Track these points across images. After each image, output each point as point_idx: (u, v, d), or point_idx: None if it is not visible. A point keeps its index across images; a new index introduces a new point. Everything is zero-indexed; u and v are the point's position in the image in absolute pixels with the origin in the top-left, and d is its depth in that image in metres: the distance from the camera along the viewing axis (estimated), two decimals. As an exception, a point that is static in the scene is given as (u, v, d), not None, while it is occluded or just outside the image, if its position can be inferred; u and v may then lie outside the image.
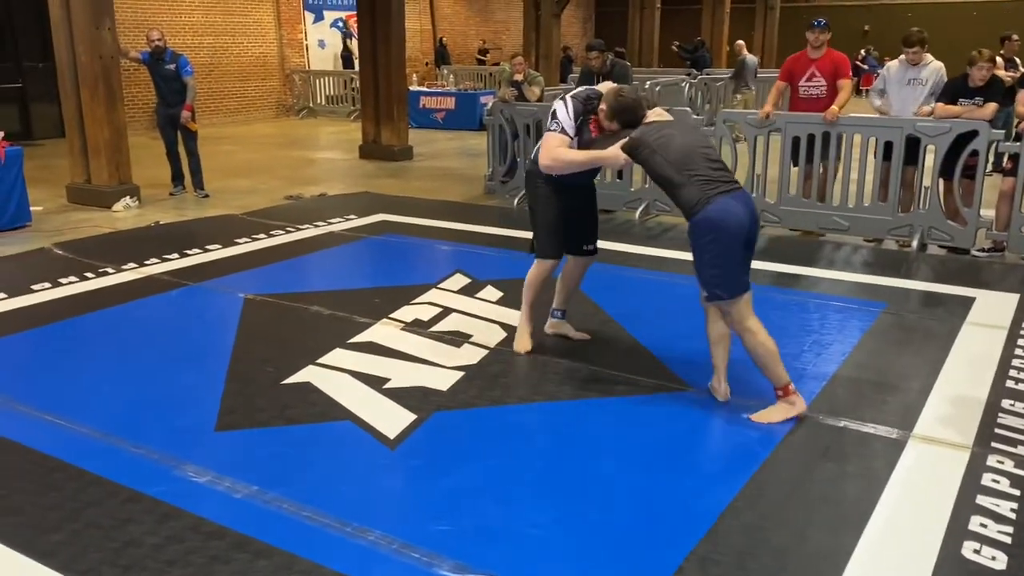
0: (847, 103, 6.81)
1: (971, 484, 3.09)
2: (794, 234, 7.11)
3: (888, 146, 6.56)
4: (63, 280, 5.63)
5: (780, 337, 4.52)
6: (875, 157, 6.64)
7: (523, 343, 4.38)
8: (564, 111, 3.98)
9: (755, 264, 5.98)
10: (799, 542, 2.78)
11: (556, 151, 3.95)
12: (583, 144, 4.00)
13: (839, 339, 4.58)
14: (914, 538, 2.79)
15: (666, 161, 3.58)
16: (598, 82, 7.74)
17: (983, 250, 6.38)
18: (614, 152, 3.77)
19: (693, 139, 3.69)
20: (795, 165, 7.06)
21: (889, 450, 3.37)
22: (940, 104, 6.32)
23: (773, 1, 25.12)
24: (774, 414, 3.60)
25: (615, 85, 4.05)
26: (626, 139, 3.73)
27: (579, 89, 4.17)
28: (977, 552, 2.69)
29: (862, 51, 24.14)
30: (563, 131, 3.97)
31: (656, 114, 3.85)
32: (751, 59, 14.46)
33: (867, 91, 8.82)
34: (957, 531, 2.81)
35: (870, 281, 5.72)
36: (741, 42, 15.26)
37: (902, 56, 6.76)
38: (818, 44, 6.86)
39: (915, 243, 6.49)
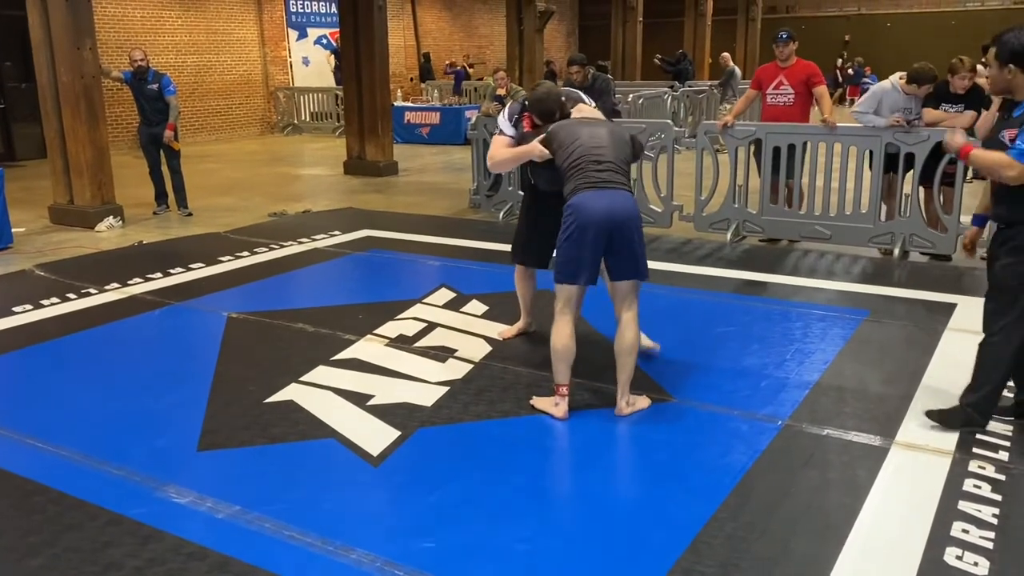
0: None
1: (953, 490, 3.11)
2: (775, 243, 7.15)
3: (891, 159, 6.54)
4: (45, 301, 5.60)
5: (762, 346, 4.60)
6: (870, 169, 6.64)
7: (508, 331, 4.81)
8: (502, 114, 4.22)
9: (738, 274, 6.11)
10: (783, 551, 2.78)
11: (492, 150, 4.20)
12: (520, 141, 4.13)
13: (821, 347, 4.61)
14: (897, 545, 2.80)
15: (565, 156, 3.77)
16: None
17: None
18: (532, 144, 3.96)
19: (596, 142, 3.78)
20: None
21: (872, 457, 3.38)
22: (927, 109, 6.38)
23: (754, 13, 25.38)
24: (542, 402, 3.85)
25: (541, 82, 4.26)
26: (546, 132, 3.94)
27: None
28: (959, 558, 2.71)
29: (839, 60, 24.37)
30: (501, 132, 4.18)
31: (579, 111, 4.06)
32: (738, 70, 14.66)
33: (852, 100, 8.88)
34: (940, 537, 2.82)
35: (852, 289, 5.75)
36: (726, 54, 15.43)
37: (898, 81, 6.49)
38: (784, 56, 6.94)
39: (897, 250, 6.53)
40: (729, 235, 7.15)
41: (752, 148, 7.16)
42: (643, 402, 3.86)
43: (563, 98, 4.06)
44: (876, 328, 4.93)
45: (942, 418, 3.61)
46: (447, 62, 20.33)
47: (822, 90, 6.98)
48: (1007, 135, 3.41)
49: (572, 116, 4.01)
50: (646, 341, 4.32)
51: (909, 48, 6.68)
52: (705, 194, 7.32)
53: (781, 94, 7.01)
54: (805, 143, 6.93)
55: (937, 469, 3.27)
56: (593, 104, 4.26)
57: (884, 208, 6.72)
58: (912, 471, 3.28)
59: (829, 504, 3.06)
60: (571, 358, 3.75)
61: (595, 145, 3.75)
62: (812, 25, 26.16)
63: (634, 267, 3.74)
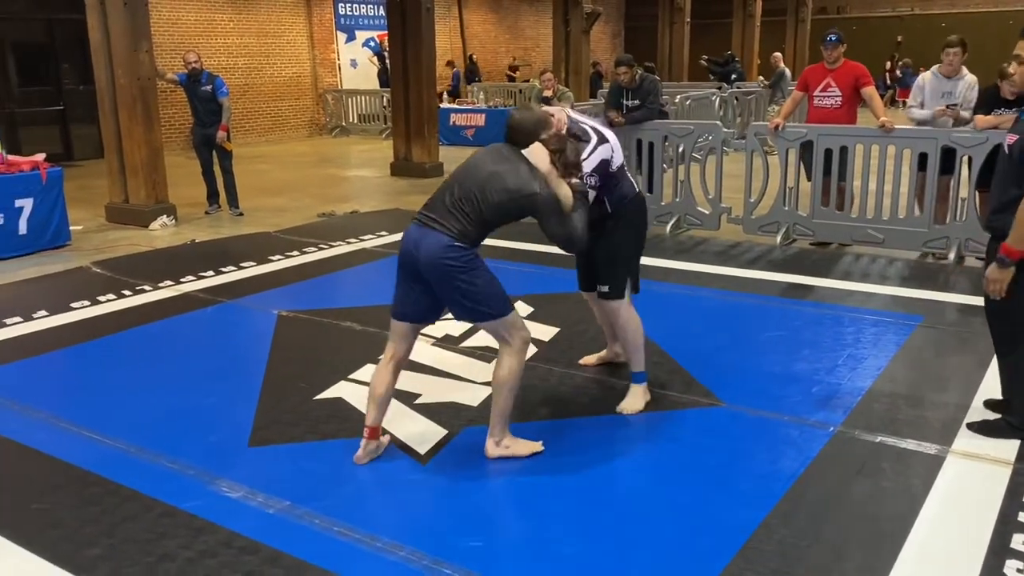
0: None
1: (1013, 501, 3.03)
2: (826, 247, 7.04)
3: (923, 157, 6.48)
4: (102, 298, 5.74)
5: (813, 351, 4.53)
6: (910, 168, 6.55)
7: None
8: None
9: (787, 277, 6.02)
10: (835, 560, 2.73)
11: None
12: None
13: (874, 353, 4.52)
14: (954, 557, 2.73)
15: None
16: (628, 97, 7.79)
17: None
18: None
19: (462, 177, 3.30)
20: (808, 178, 7.04)
21: (927, 466, 3.31)
22: (980, 116, 6.23)
23: (804, 14, 24.99)
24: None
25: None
26: None
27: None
28: (1021, 572, 2.64)
29: (888, 62, 23.88)
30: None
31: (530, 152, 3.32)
32: (788, 71, 14.53)
33: (903, 102, 8.74)
34: (999, 549, 2.75)
35: (906, 294, 5.63)
36: (778, 54, 15.27)
37: (935, 67, 6.67)
38: (833, 59, 6.84)
39: (952, 255, 6.38)
40: (779, 238, 7.06)
41: (800, 150, 7.05)
42: (521, 448, 3.41)
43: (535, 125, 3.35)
44: (930, 334, 4.83)
45: (985, 429, 3.55)
46: (447, 60, 20.05)
47: (871, 91, 6.85)
48: (1009, 140, 3.31)
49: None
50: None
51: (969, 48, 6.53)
52: (754, 196, 7.24)
53: (828, 96, 6.90)
54: (856, 145, 6.81)
55: (996, 479, 3.18)
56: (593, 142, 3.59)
57: (918, 208, 6.58)
58: (970, 481, 3.20)
59: (883, 513, 3.00)
60: (379, 399, 3.39)
61: (454, 178, 3.33)
62: (863, 26, 25.69)
63: (466, 311, 3.31)
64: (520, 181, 3.20)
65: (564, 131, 3.41)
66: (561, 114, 3.50)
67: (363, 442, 3.40)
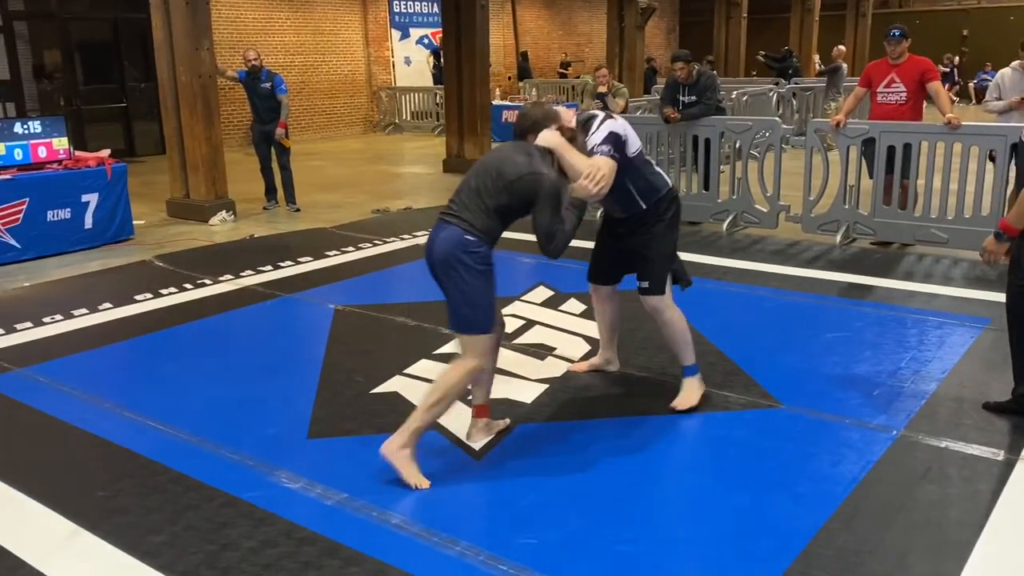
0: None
1: (1086, 511, 2.93)
2: (887, 247, 6.87)
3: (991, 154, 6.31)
4: (163, 291, 5.88)
5: (875, 353, 4.43)
6: (977, 166, 6.38)
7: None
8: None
9: (848, 277, 5.90)
10: (898, 568, 2.67)
11: None
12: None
13: (939, 356, 4.40)
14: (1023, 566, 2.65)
15: None
16: (685, 93, 7.71)
17: None
18: None
19: (479, 168, 3.35)
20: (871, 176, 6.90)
21: (995, 472, 3.21)
22: None
23: (865, 7, 24.43)
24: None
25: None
26: None
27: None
28: (1094, 584, 2.54)
29: (955, 57, 23.20)
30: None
31: (543, 139, 3.37)
32: (845, 66, 14.26)
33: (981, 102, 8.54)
34: (1071, 561, 2.66)
35: (972, 295, 5.47)
36: (841, 47, 15.02)
37: (1016, 63, 6.54)
38: (896, 55, 6.67)
39: (1020, 256, 6.18)
40: (839, 237, 6.92)
41: (862, 147, 6.90)
42: (409, 471, 3.16)
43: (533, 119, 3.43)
44: (998, 338, 4.66)
45: None
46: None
47: (937, 86, 6.68)
48: None
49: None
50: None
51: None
52: (814, 194, 7.10)
53: (893, 92, 6.74)
54: (921, 142, 6.65)
55: (1069, 488, 3.08)
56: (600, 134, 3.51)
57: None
58: (1041, 489, 3.10)
59: (949, 520, 2.92)
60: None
61: (473, 172, 3.36)
62: (927, 20, 25.02)
63: (450, 313, 3.29)
64: (531, 163, 3.23)
65: (572, 124, 3.44)
66: (569, 113, 3.52)
67: (472, 420, 3.56)
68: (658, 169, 3.88)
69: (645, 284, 3.80)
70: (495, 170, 3.26)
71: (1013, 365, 3.67)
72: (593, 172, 3.31)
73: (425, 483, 3.17)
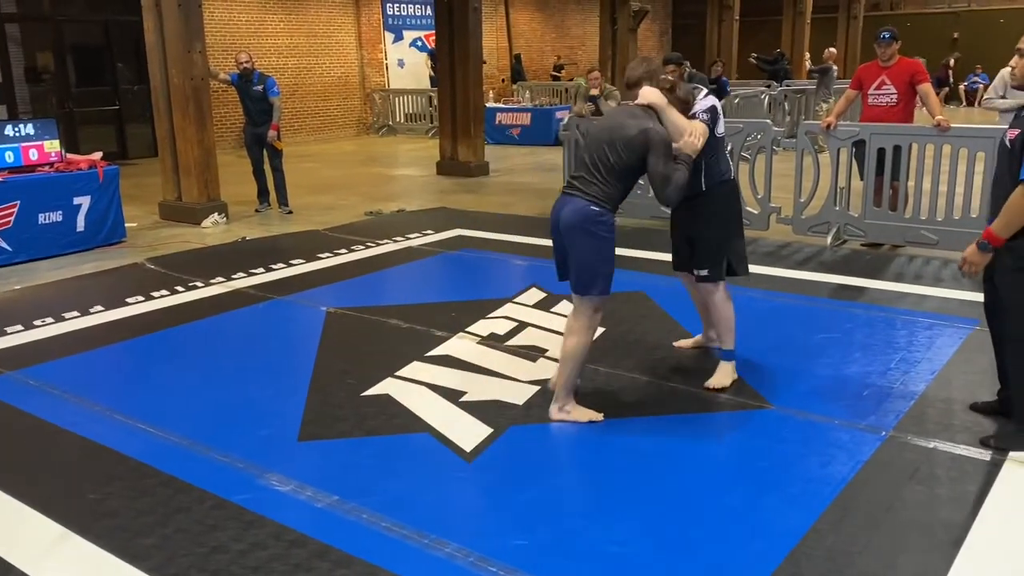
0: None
1: (1073, 511, 2.94)
2: (878, 248, 6.90)
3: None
4: (155, 293, 5.87)
5: (865, 354, 4.45)
6: (967, 167, 6.42)
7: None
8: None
9: (838, 279, 5.92)
10: (887, 568, 2.68)
11: None
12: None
13: (928, 357, 4.42)
14: (1011, 566, 2.67)
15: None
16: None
17: None
18: None
19: (587, 142, 3.77)
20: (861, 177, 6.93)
21: (983, 473, 3.23)
22: None
23: (856, 10, 24.53)
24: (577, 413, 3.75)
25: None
26: None
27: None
28: (1081, 583, 2.56)
29: (951, 59, 23.30)
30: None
31: (643, 96, 3.68)
32: (835, 67, 14.34)
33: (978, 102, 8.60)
34: (1058, 560, 2.67)
35: (961, 297, 5.49)
36: (832, 50, 15.10)
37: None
38: (887, 57, 6.71)
39: (1010, 258, 6.21)
40: (829, 239, 6.94)
41: (853, 149, 6.93)
42: (581, 415, 3.70)
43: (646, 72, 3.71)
44: (987, 339, 4.67)
45: (1003, 442, 3.43)
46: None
47: (927, 88, 6.71)
48: (1009, 135, 3.23)
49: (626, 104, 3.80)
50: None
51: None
52: (805, 196, 7.13)
53: (883, 94, 6.77)
54: (911, 144, 6.68)
55: (1056, 488, 3.10)
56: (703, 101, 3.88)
57: None
58: (1028, 489, 3.12)
59: (937, 520, 2.94)
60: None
61: (585, 146, 3.74)
62: (918, 22, 25.13)
63: (574, 278, 3.61)
64: (636, 122, 3.52)
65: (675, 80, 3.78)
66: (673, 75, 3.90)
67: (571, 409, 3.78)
68: (728, 156, 4.14)
69: (703, 272, 4.07)
70: (607, 139, 3.56)
71: (997, 366, 3.69)
72: (693, 130, 3.64)
73: (599, 416, 3.69)
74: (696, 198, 3.93)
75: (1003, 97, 6.68)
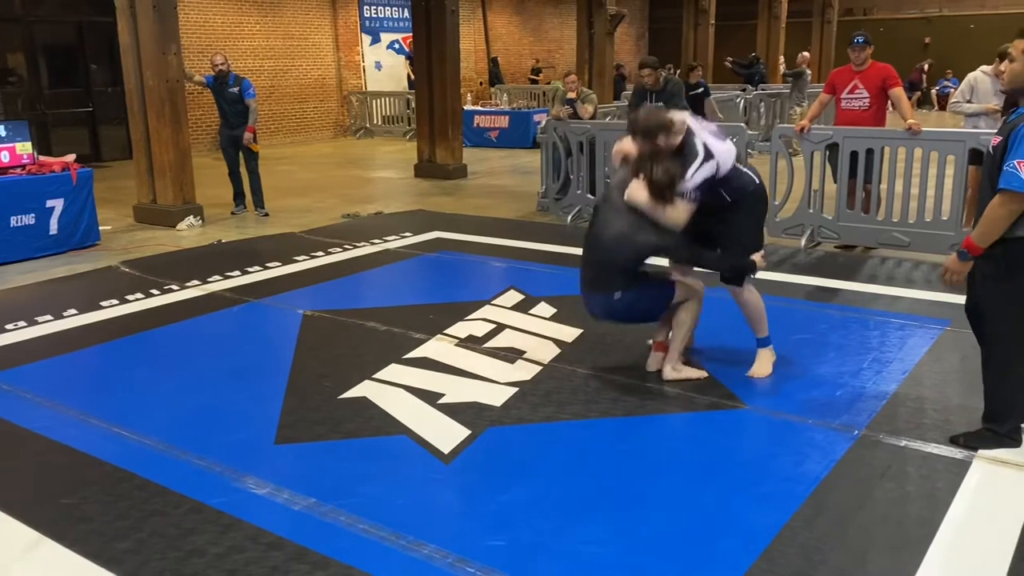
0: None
1: (1040, 507, 3.00)
2: (851, 250, 6.99)
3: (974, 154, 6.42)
4: (130, 297, 5.82)
5: (838, 355, 4.51)
6: (937, 171, 6.52)
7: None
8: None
9: (812, 280, 6.00)
10: (858, 564, 2.72)
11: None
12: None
13: (900, 357, 4.49)
14: (980, 562, 2.72)
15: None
16: (652, 99, 7.78)
17: None
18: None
19: (585, 249, 4.25)
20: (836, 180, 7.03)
21: (953, 471, 3.28)
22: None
23: (830, 15, 24.79)
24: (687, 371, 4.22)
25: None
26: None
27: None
28: (1047, 577, 2.61)
29: (924, 64, 23.60)
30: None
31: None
32: (808, 71, 14.49)
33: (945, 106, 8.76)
34: (1025, 555, 2.73)
35: (932, 298, 5.58)
36: (805, 54, 15.24)
37: (986, 68, 6.73)
38: (860, 61, 6.81)
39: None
40: (803, 241, 7.02)
41: (827, 152, 7.02)
42: (691, 373, 4.17)
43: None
44: (958, 339, 4.77)
45: (971, 441, 3.47)
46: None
47: (899, 92, 6.81)
48: (993, 141, 3.24)
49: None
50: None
51: (995, 52, 6.50)
52: (779, 199, 7.20)
53: (856, 98, 6.86)
54: (883, 147, 6.78)
55: (1023, 484, 3.15)
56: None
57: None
58: (996, 486, 3.18)
59: (908, 517, 2.99)
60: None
61: (587, 247, 4.19)
62: (891, 27, 25.43)
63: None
64: (623, 233, 3.91)
65: (670, 147, 3.85)
66: (683, 124, 3.89)
67: (651, 353, 4.32)
68: (746, 169, 4.20)
69: (726, 272, 4.21)
70: (611, 250, 3.96)
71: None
72: (676, 216, 3.88)
73: (704, 374, 4.19)
74: (722, 209, 4.06)
75: (969, 101, 6.80)
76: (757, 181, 4.18)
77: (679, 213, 3.87)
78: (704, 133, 3.95)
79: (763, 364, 4.25)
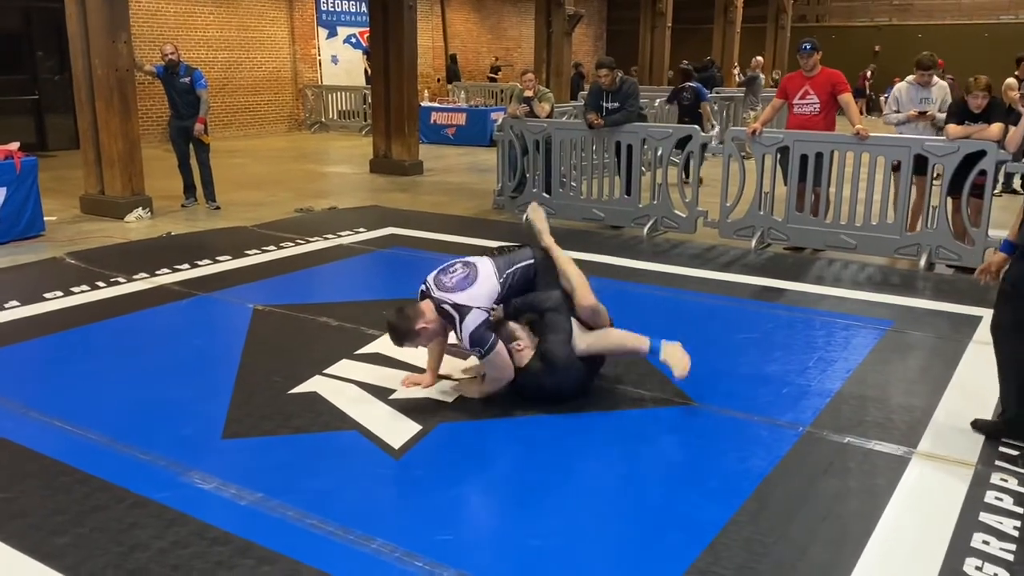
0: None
1: (974, 501, 3.09)
2: (800, 251, 7.12)
3: (897, 164, 6.64)
4: (75, 289, 5.69)
5: (785, 353, 4.59)
6: (883, 175, 6.68)
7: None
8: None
9: (761, 281, 6.11)
10: (800, 557, 2.78)
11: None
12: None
13: (844, 356, 4.59)
14: (916, 554, 2.79)
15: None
16: (608, 100, 7.83)
17: None
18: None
19: None
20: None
21: (892, 467, 3.37)
22: (951, 126, 6.35)
23: (784, 21, 25.24)
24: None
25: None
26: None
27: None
28: (979, 569, 2.69)
29: (867, 70, 24.08)
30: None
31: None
32: (762, 76, 14.72)
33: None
34: (959, 548, 2.81)
35: (877, 299, 5.72)
36: (759, 58, 15.45)
37: (910, 77, 7.07)
38: (809, 68, 6.97)
39: (923, 262, 6.49)
40: (754, 242, 7.13)
41: (778, 156, 7.14)
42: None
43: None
44: (900, 339, 4.91)
45: (990, 430, 3.60)
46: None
47: (847, 98, 6.97)
48: None
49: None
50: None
51: (942, 60, 6.78)
52: (731, 201, 7.31)
53: (807, 103, 7.01)
54: (833, 152, 6.92)
55: (959, 480, 3.25)
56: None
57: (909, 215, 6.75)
58: (933, 481, 3.27)
59: (848, 512, 3.06)
60: None
61: None
62: (842, 35, 25.98)
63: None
64: (540, 378, 3.88)
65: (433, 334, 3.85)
66: (429, 311, 3.78)
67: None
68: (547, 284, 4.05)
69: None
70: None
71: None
72: (502, 379, 3.87)
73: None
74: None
75: (897, 112, 7.06)
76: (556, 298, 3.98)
77: (499, 360, 3.78)
78: (445, 297, 3.77)
79: (675, 360, 3.95)
